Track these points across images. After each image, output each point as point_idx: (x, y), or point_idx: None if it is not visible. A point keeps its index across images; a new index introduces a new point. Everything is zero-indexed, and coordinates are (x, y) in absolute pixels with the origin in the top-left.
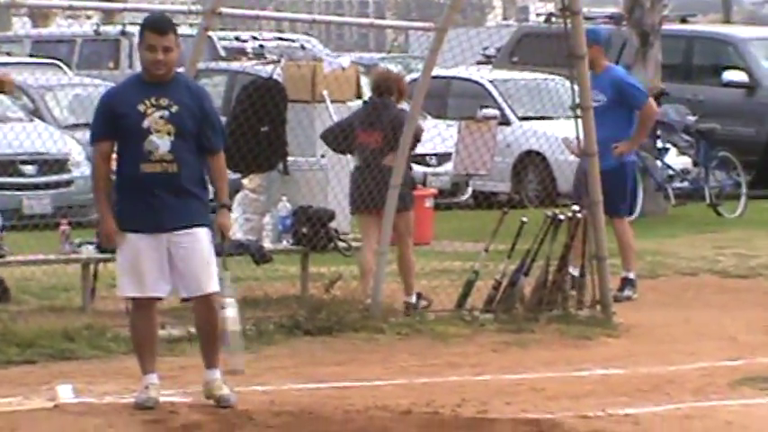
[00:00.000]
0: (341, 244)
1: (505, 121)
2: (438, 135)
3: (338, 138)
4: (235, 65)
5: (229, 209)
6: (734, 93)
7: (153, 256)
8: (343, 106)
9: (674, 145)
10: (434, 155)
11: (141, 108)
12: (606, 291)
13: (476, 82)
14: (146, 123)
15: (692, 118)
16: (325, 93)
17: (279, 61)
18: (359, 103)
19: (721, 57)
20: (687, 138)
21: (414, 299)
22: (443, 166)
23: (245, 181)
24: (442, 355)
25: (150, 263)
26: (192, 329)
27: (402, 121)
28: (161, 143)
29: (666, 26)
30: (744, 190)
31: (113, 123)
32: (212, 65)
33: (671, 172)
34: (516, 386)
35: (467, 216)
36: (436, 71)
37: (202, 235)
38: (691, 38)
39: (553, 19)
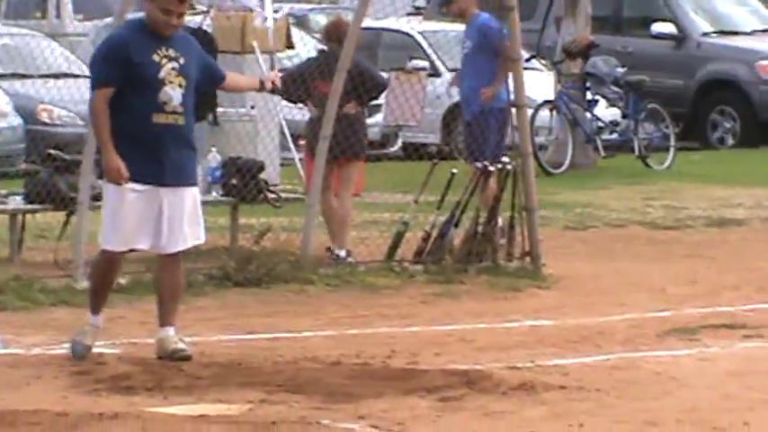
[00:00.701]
0: (270, 195)
1: (435, 73)
2: None
3: (290, 87)
4: None
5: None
6: (663, 45)
7: (146, 208)
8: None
9: (604, 97)
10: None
11: (156, 58)
12: (536, 242)
13: (406, 33)
14: (162, 74)
15: (621, 70)
16: (254, 44)
17: (208, 12)
18: (290, 53)
19: (650, 9)
20: (616, 90)
21: (344, 253)
22: (373, 117)
23: None
24: (371, 306)
25: (141, 215)
26: (122, 281)
27: (361, 68)
28: (174, 94)
29: None
30: (672, 142)
31: (126, 71)
32: (140, 15)
33: (600, 124)
34: (446, 337)
35: (396, 167)
36: (366, 22)
37: (196, 192)
38: None
39: None
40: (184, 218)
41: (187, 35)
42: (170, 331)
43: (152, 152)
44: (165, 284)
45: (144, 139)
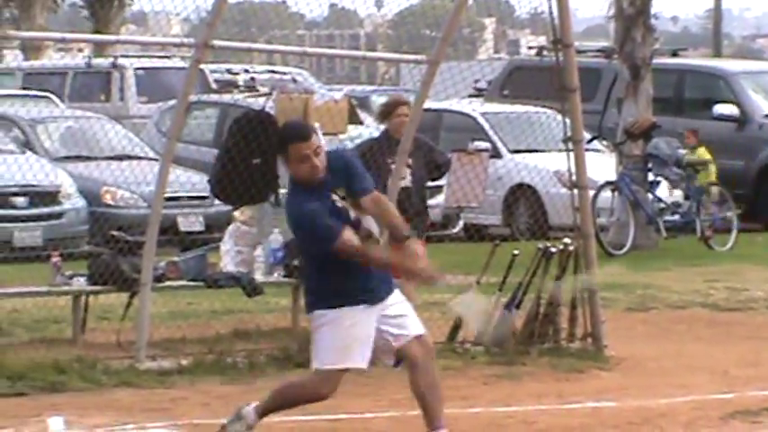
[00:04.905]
0: None
1: (497, 154)
2: None
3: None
4: (226, 97)
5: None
6: (724, 126)
7: (369, 328)
8: (335, 138)
9: (666, 178)
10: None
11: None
12: (598, 324)
13: (467, 115)
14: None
15: (683, 151)
16: (316, 125)
17: (271, 94)
18: (352, 134)
19: (712, 90)
20: (678, 171)
21: None
22: (435, 198)
23: (236, 213)
24: None
25: (368, 333)
26: (184, 361)
27: (430, 146)
28: (363, 219)
29: (657, 60)
30: (735, 223)
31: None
32: (204, 97)
33: (662, 205)
34: (507, 419)
35: (458, 249)
36: (428, 104)
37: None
38: (682, 71)
39: (545, 52)
40: (407, 307)
41: (338, 159)
42: None
43: (367, 276)
44: (418, 386)
45: (355, 266)
